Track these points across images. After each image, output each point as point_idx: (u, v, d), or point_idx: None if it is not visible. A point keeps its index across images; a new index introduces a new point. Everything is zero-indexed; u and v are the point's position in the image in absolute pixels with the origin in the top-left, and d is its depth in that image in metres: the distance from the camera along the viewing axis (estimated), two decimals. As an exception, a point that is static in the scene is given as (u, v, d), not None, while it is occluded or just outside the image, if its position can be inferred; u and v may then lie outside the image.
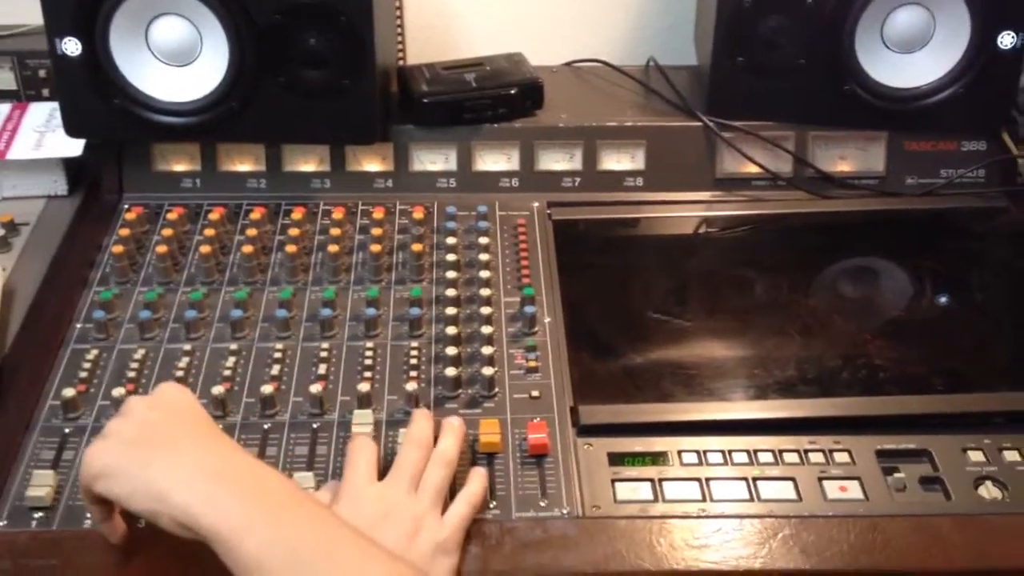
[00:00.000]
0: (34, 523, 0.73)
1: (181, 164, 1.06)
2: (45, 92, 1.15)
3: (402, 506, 0.70)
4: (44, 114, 1.11)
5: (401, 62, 1.22)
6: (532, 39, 1.17)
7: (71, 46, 0.96)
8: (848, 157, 1.08)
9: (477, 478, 0.75)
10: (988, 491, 0.78)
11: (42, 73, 1.14)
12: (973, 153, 1.08)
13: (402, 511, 0.70)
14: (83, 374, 0.85)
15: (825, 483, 0.78)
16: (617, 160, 1.08)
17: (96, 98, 0.99)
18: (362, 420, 0.80)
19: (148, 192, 1.05)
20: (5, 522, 0.73)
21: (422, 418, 0.78)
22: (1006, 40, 1.01)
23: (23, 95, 1.15)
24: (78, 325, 0.90)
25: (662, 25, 1.23)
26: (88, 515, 0.73)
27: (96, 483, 0.65)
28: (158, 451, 0.65)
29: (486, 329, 0.89)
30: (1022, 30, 1.01)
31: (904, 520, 0.75)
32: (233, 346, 0.88)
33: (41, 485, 0.75)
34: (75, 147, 1.05)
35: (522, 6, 1.23)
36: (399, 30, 1.14)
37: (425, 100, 1.05)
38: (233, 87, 0.99)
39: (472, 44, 1.19)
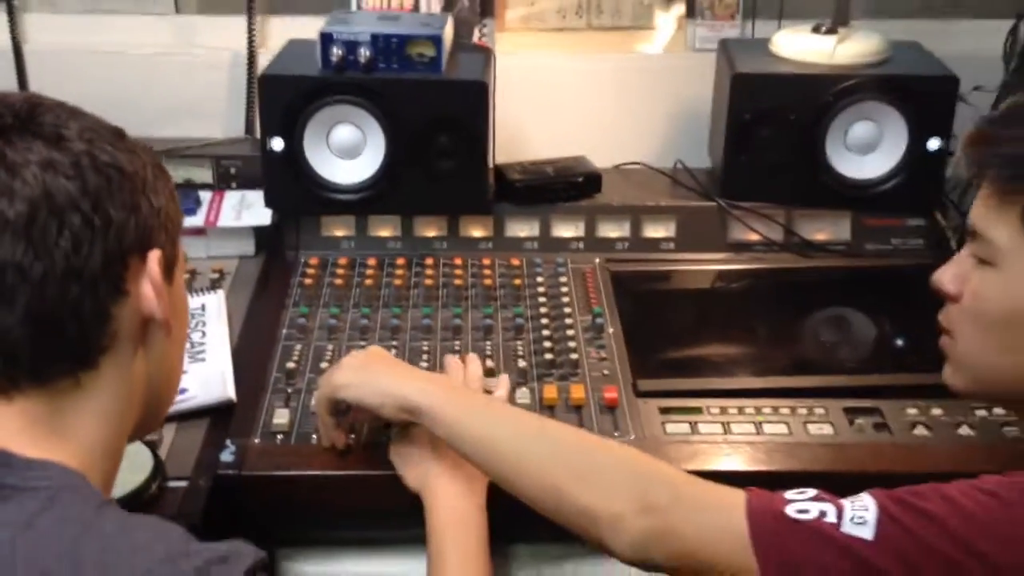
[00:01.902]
0: (279, 440, 1.11)
1: (341, 230, 1.46)
2: (233, 184, 1.56)
3: None
4: (236, 198, 1.52)
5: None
6: (587, 147, 1.59)
7: (277, 144, 1.38)
8: (823, 229, 1.48)
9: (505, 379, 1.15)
10: (919, 431, 1.14)
11: (232, 170, 1.56)
12: (915, 227, 1.48)
13: None
14: (295, 357, 1.22)
15: (808, 425, 1.15)
16: (655, 230, 1.48)
17: (290, 181, 1.40)
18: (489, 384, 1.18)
19: (317, 250, 1.45)
20: (259, 440, 1.10)
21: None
22: (932, 144, 1.42)
23: (217, 186, 1.57)
24: (284, 330, 1.28)
25: (684, 137, 1.65)
26: (314, 435, 1.10)
27: (338, 392, 1.03)
28: (379, 369, 1.03)
29: (570, 332, 1.27)
30: (944, 137, 1.43)
31: (862, 445, 1.12)
32: (394, 342, 1.26)
33: (282, 418, 1.12)
34: (266, 217, 1.46)
35: (580, 122, 1.65)
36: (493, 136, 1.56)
37: (518, 184, 1.47)
38: (385, 174, 1.41)
39: (541, 149, 1.61)
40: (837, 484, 1.08)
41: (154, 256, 0.76)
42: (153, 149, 0.82)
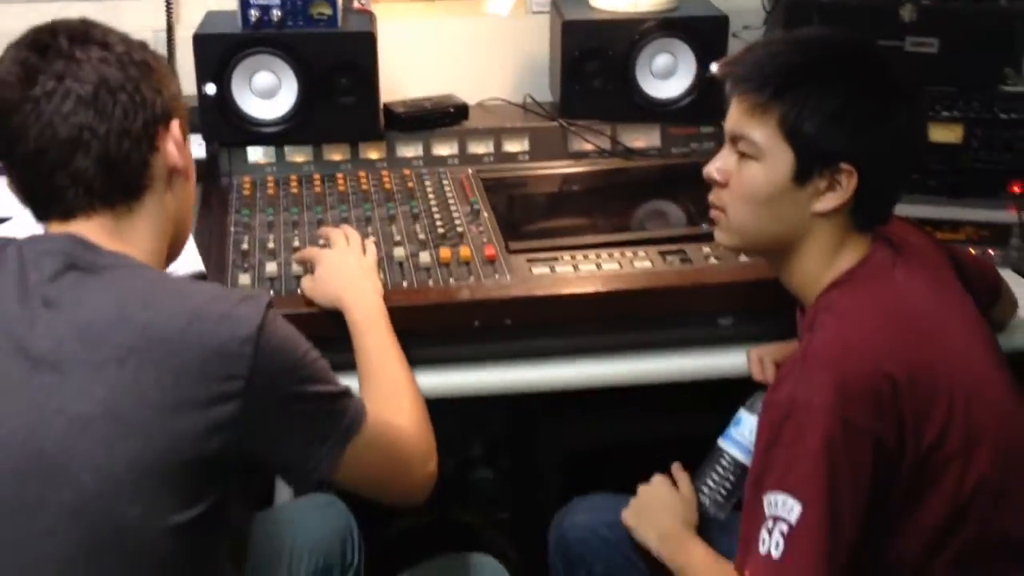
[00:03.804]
0: (245, 296, 1.47)
1: (264, 158, 1.82)
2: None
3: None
4: (172, 140, 1.86)
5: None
6: (454, 89, 1.99)
7: (211, 88, 1.73)
8: (640, 138, 1.93)
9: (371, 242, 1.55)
10: (712, 260, 1.59)
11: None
12: (706, 134, 1.94)
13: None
14: (245, 244, 1.58)
15: (634, 262, 1.58)
16: (513, 146, 1.90)
17: (222, 118, 1.75)
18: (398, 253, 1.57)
19: (245, 175, 1.80)
20: (230, 296, 1.46)
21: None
22: (713, 68, 1.88)
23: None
24: (232, 227, 1.64)
25: (529, 78, 2.08)
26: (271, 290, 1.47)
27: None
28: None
29: (455, 216, 1.68)
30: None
31: (672, 271, 1.56)
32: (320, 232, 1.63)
33: (245, 280, 1.48)
34: (201, 151, 1.80)
35: (446, 70, 2.06)
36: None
37: (403, 116, 1.86)
38: (298, 111, 1.78)
39: (416, 91, 2.00)
40: (655, 294, 1.53)
41: (175, 124, 1.13)
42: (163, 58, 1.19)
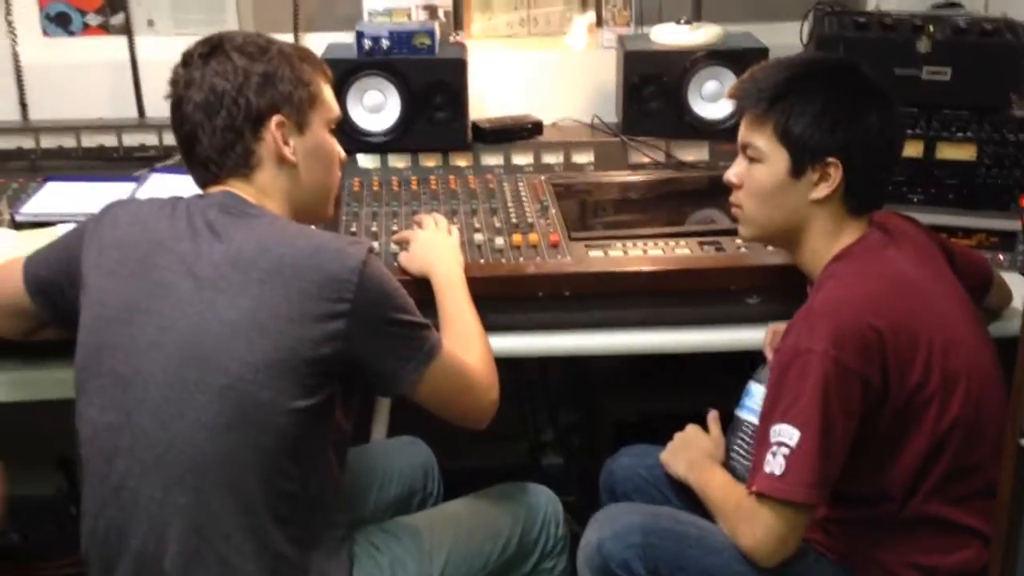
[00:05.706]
0: (352, 265, 1.81)
1: (371, 163, 2.17)
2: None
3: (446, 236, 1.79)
4: (296, 149, 2.23)
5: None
6: (533, 108, 2.33)
7: (330, 104, 2.10)
8: (691, 153, 2.23)
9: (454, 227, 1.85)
10: (743, 250, 1.87)
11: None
12: (751, 150, 2.23)
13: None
14: (353, 229, 1.93)
15: (676, 249, 1.87)
16: (581, 157, 2.22)
17: (338, 129, 2.11)
18: (477, 238, 1.89)
19: (355, 177, 2.15)
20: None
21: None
22: (756, 94, 2.18)
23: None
24: (344, 217, 1.98)
25: (599, 102, 2.40)
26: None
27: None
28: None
29: (528, 211, 2.00)
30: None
31: (707, 256, 1.84)
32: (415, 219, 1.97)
33: (352, 253, 1.83)
34: (320, 157, 2.17)
35: (527, 96, 2.40)
36: (468, 99, 2.29)
37: (488, 130, 2.20)
38: (400, 124, 2.13)
39: (501, 111, 2.35)
40: (692, 274, 1.82)
41: (275, 119, 1.44)
42: (292, 54, 1.49)
